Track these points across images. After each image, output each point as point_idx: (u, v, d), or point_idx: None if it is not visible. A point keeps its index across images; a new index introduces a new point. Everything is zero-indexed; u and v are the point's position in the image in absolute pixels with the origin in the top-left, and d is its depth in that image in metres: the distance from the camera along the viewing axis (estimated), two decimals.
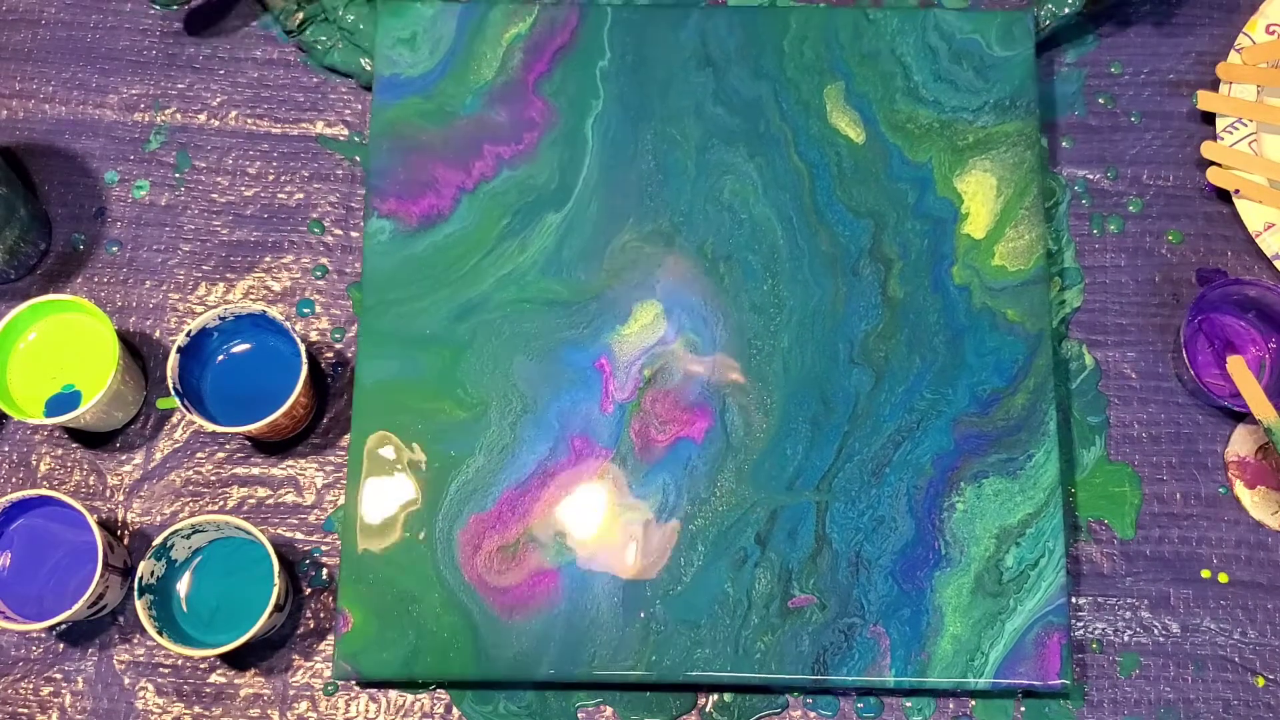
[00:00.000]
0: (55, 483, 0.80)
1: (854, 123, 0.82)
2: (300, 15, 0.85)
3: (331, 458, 0.81)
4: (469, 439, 0.77)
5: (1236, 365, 0.78)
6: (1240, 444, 0.81)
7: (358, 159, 0.86)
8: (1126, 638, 0.78)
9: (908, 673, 0.73)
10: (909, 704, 0.76)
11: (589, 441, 0.77)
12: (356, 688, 0.77)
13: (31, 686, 0.77)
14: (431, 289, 0.79)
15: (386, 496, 0.76)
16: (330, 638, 0.77)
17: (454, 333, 0.78)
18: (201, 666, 0.77)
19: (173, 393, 0.75)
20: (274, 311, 0.77)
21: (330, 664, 0.77)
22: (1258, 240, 0.83)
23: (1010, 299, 0.79)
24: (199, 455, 0.81)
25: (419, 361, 0.78)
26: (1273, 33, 0.86)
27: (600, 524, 0.76)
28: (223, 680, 0.77)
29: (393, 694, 0.77)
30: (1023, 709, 0.76)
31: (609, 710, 0.76)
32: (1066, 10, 0.84)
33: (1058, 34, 0.87)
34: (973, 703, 0.76)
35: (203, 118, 0.87)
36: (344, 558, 0.75)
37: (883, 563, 0.75)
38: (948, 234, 0.80)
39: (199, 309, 0.83)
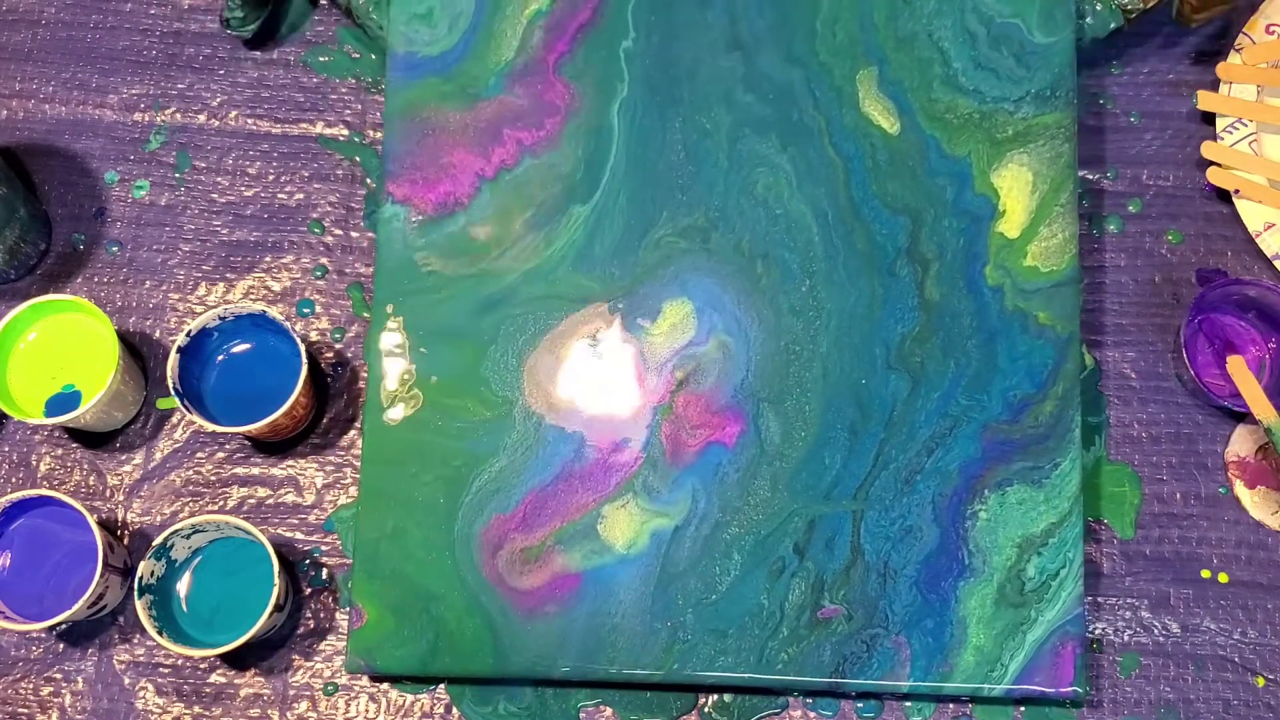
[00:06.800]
0: (55, 483, 0.80)
1: (887, 112, 0.78)
2: None
3: (331, 458, 0.81)
4: (493, 438, 0.75)
5: (1236, 365, 0.78)
6: (1240, 444, 0.81)
7: (358, 159, 0.86)
8: (1126, 638, 0.78)
9: (927, 681, 0.72)
10: (908, 704, 0.76)
11: (617, 444, 0.75)
12: (356, 688, 0.77)
13: (31, 686, 0.77)
14: (450, 281, 0.77)
15: (404, 490, 0.74)
16: (330, 638, 0.77)
17: (478, 327, 0.76)
18: (201, 666, 0.77)
19: (173, 393, 0.75)
20: (274, 311, 0.77)
21: (329, 664, 0.77)
22: (1258, 240, 0.83)
23: (1042, 301, 0.77)
24: (199, 455, 0.81)
25: (440, 356, 0.76)
26: (1273, 33, 0.86)
27: (627, 528, 0.74)
28: (223, 680, 0.77)
29: (393, 694, 0.77)
30: (1022, 709, 0.76)
31: (609, 710, 0.76)
32: (1112, 26, 0.83)
33: None
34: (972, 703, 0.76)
35: (203, 118, 0.87)
36: (357, 550, 0.74)
37: (908, 572, 0.73)
38: (982, 232, 0.77)
39: (199, 309, 0.83)
